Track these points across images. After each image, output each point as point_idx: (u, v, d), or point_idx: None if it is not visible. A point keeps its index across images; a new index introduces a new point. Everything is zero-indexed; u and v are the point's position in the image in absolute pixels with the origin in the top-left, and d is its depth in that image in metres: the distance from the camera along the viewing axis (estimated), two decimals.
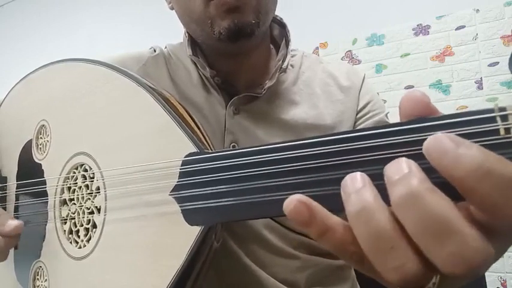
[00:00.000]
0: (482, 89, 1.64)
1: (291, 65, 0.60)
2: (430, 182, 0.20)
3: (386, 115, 0.60)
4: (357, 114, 0.58)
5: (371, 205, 0.21)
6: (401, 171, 0.21)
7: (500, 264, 1.50)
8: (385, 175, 0.22)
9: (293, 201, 0.23)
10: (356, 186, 0.22)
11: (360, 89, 0.60)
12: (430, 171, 0.20)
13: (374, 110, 0.59)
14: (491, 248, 0.19)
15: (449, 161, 0.19)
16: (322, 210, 0.23)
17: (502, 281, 1.50)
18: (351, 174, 0.23)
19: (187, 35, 0.57)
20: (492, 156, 0.19)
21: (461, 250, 0.18)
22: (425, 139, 0.21)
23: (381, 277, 0.22)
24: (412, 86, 1.76)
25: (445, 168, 0.19)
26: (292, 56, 0.61)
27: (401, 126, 0.23)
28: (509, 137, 0.20)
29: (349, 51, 1.93)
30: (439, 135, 0.20)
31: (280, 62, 0.56)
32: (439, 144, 0.20)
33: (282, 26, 0.61)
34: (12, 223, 0.41)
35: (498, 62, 1.61)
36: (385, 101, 1.65)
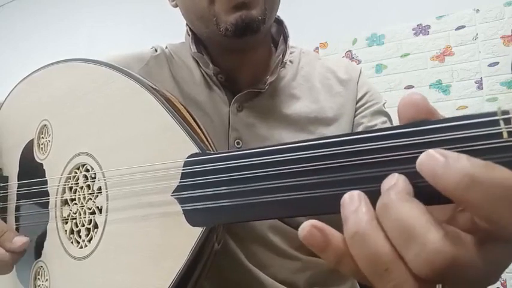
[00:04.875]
0: (482, 89, 1.64)
1: (290, 61, 0.61)
2: (406, 193, 0.21)
3: (383, 105, 0.61)
4: (356, 104, 0.59)
5: (364, 227, 0.21)
6: (389, 183, 0.22)
7: None
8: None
9: (307, 226, 0.23)
10: (352, 207, 0.22)
11: (358, 81, 0.61)
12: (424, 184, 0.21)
13: (372, 100, 0.60)
14: (461, 251, 0.19)
15: (439, 175, 0.20)
16: (337, 234, 0.23)
17: (502, 281, 1.50)
18: (349, 193, 0.23)
19: (190, 33, 0.57)
20: (479, 165, 0.19)
21: (422, 251, 0.19)
22: (429, 141, 0.22)
23: None
24: (412, 86, 1.76)
25: (437, 183, 0.20)
26: (291, 53, 0.62)
27: (404, 128, 0.23)
28: None
29: (349, 51, 1.93)
30: (430, 151, 0.21)
31: (280, 56, 0.57)
32: (430, 160, 0.20)
33: (279, 23, 0.62)
34: (19, 240, 0.42)
35: (498, 62, 1.62)
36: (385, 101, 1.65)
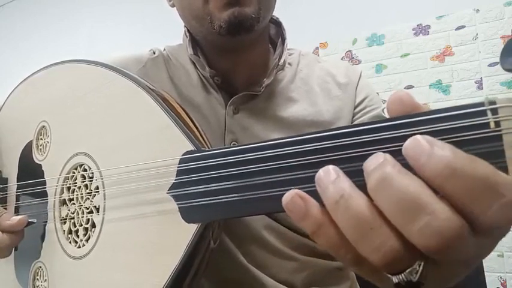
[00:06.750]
0: (482, 89, 1.64)
1: (289, 63, 0.61)
2: (402, 166, 0.21)
3: (383, 110, 0.60)
4: (354, 109, 0.59)
5: (348, 192, 0.22)
6: (377, 161, 0.22)
7: (500, 264, 1.50)
8: (363, 168, 0.23)
9: (291, 194, 0.24)
10: (331, 178, 0.23)
11: (357, 85, 0.60)
12: (408, 167, 0.21)
13: (371, 105, 0.59)
14: (463, 220, 0.20)
15: (423, 161, 0.20)
16: (317, 205, 0.24)
17: (502, 281, 1.50)
18: (323, 168, 0.24)
19: (187, 34, 0.58)
20: (462, 156, 0.20)
21: (432, 222, 0.19)
22: (417, 133, 0.22)
23: (372, 271, 0.23)
24: (412, 86, 1.76)
25: (419, 168, 0.20)
26: (289, 55, 0.62)
27: (388, 122, 0.23)
28: (500, 130, 0.20)
29: (349, 51, 1.93)
30: (417, 136, 0.21)
31: (277, 59, 0.57)
32: (416, 145, 0.20)
33: (278, 24, 0.61)
34: (16, 217, 0.42)
35: (498, 62, 1.61)
36: (384, 101, 1.65)
